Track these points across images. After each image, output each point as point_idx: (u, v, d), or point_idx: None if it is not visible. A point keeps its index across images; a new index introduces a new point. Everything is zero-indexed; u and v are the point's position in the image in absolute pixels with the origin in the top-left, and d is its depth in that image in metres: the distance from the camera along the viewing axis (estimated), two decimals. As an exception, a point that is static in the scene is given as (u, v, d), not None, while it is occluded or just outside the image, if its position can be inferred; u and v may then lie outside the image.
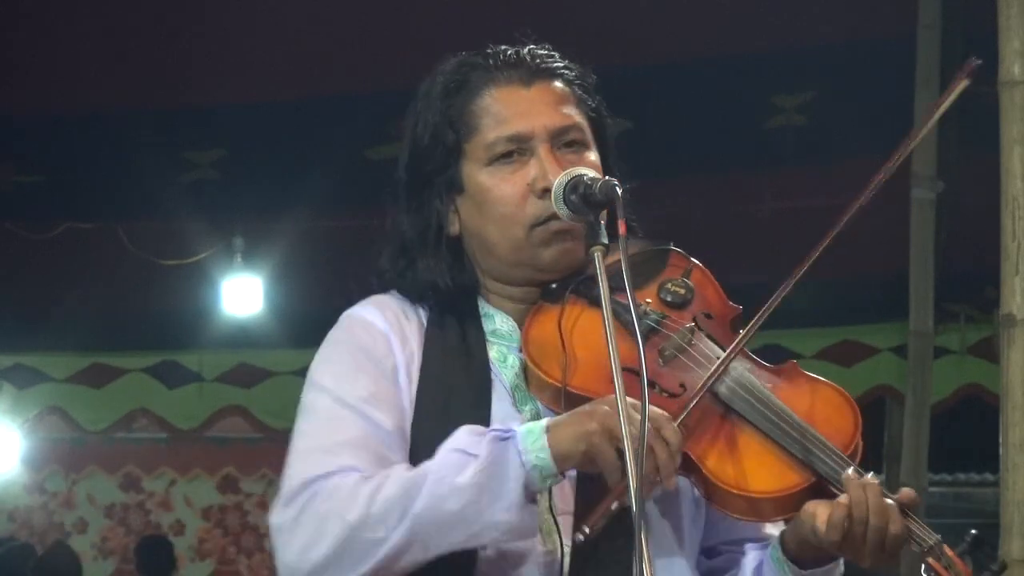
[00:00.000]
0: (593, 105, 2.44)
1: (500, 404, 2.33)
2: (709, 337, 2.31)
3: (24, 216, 7.45)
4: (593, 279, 2.23)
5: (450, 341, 2.37)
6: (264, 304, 8.15)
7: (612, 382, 2.11)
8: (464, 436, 2.20)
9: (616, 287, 2.18)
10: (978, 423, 6.55)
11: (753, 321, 2.28)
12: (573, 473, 2.25)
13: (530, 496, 2.17)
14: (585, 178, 2.27)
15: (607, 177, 2.27)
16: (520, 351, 2.36)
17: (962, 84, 2.16)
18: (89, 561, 10.98)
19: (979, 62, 2.14)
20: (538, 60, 2.44)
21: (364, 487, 2.19)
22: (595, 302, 2.27)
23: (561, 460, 2.16)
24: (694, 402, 2.21)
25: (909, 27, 6.04)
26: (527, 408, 2.34)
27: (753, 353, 2.38)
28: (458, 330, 2.38)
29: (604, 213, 2.27)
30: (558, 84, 2.42)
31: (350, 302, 2.49)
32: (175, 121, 6.71)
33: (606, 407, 2.14)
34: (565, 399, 2.25)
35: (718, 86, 6.04)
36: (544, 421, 2.20)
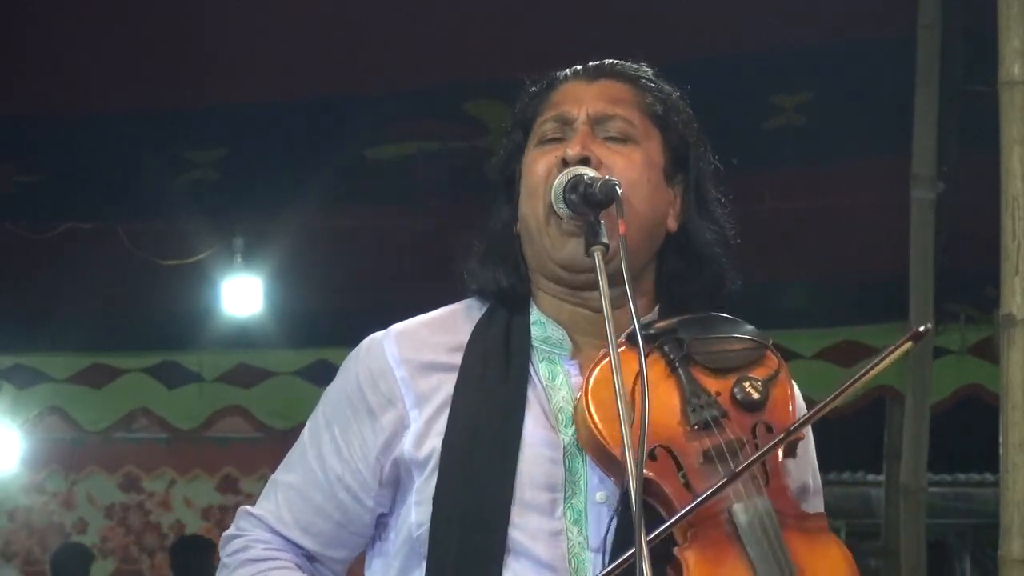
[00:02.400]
0: (661, 113, 2.42)
1: (535, 426, 2.31)
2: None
3: (24, 216, 7.45)
4: (679, 341, 2.29)
5: (492, 351, 2.37)
6: (264, 304, 8.14)
7: (649, 460, 2.14)
8: None
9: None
10: (978, 423, 6.56)
11: (771, 444, 2.22)
12: (608, 508, 2.25)
13: None
14: (585, 177, 2.27)
15: (607, 177, 2.27)
16: (571, 359, 2.36)
17: (906, 346, 2.15)
18: (89, 561, 10.98)
19: (929, 327, 2.15)
20: (615, 65, 2.47)
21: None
22: (674, 370, 2.28)
23: None
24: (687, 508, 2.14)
25: (909, 27, 6.04)
26: (569, 431, 2.31)
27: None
28: (503, 338, 2.38)
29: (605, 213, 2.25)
30: (622, 84, 2.44)
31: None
32: (175, 121, 6.71)
33: None
34: (604, 457, 2.23)
35: (718, 86, 6.04)
36: None
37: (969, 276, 6.98)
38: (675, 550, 2.15)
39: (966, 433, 8.44)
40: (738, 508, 2.18)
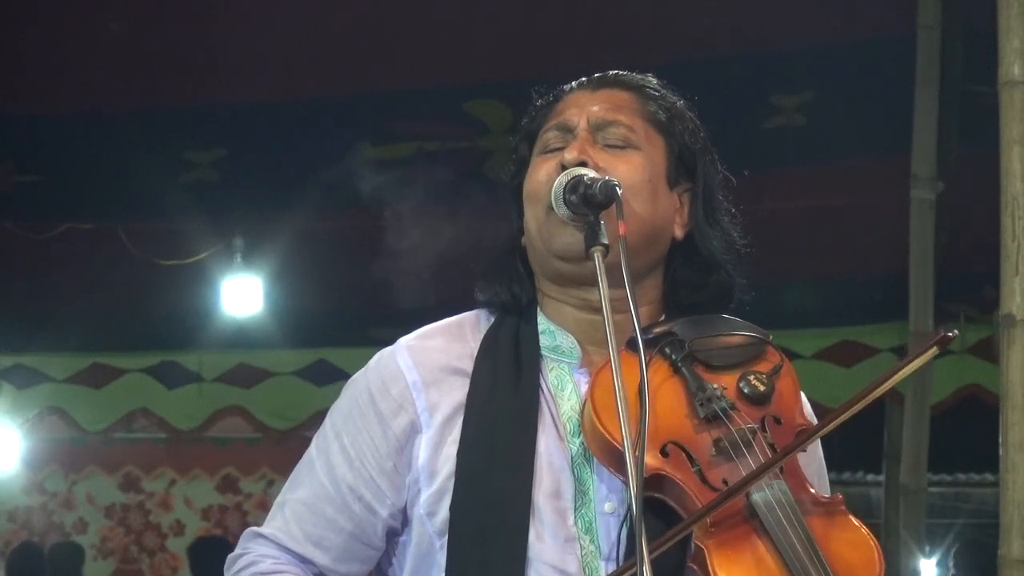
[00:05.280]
0: (664, 120, 2.42)
1: (546, 435, 2.32)
2: (770, 445, 2.24)
3: (24, 216, 7.45)
4: (680, 342, 2.29)
5: (502, 361, 2.37)
6: (264, 304, 8.15)
7: (660, 456, 2.16)
8: None
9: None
10: (978, 423, 6.55)
11: (794, 443, 2.22)
12: (617, 518, 2.26)
13: None
14: (585, 178, 2.27)
15: (607, 178, 2.27)
16: (580, 367, 2.37)
17: (931, 351, 2.15)
18: (89, 561, 10.98)
19: (955, 333, 2.15)
20: (619, 75, 2.47)
21: None
22: (677, 370, 2.29)
23: None
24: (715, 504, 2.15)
25: (909, 27, 6.04)
26: (577, 440, 2.31)
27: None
28: (512, 349, 2.38)
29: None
30: (625, 92, 2.44)
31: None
32: (175, 121, 6.71)
33: None
34: (613, 457, 2.23)
35: (718, 86, 6.04)
36: None
37: (969, 276, 6.98)
38: (696, 539, 2.16)
39: (966, 433, 8.43)
40: (757, 494, 2.18)
